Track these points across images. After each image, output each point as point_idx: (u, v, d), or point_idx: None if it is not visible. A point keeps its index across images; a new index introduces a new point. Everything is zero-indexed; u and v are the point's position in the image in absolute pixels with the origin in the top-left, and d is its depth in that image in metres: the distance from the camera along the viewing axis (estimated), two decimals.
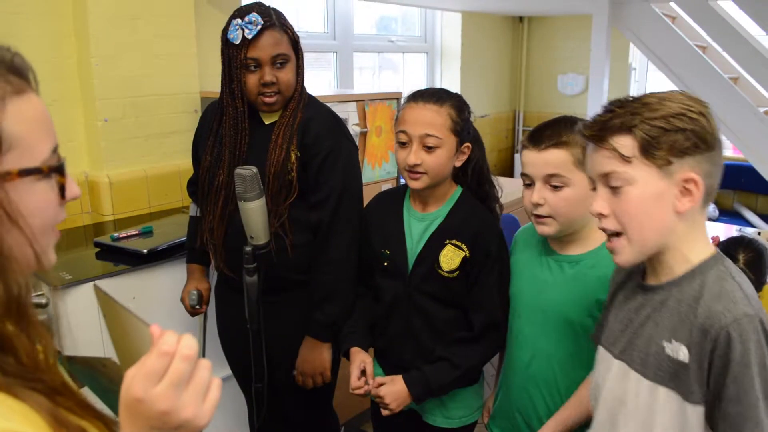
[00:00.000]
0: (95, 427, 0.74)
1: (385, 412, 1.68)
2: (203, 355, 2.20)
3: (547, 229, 1.51)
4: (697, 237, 1.16)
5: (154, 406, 0.67)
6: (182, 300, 2.12)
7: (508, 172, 6.04)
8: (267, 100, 1.85)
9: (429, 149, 1.62)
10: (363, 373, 1.68)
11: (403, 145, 1.66)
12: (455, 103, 1.66)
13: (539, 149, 1.48)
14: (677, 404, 1.13)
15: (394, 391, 1.65)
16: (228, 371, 2.32)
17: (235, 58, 1.82)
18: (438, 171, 1.65)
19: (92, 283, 2.01)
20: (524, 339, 1.61)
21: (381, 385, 1.67)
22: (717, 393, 1.07)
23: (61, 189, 0.77)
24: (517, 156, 6.03)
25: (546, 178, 1.48)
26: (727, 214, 5.35)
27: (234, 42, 1.80)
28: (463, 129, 1.66)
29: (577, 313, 1.50)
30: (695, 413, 1.11)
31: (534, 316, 1.59)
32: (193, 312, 2.12)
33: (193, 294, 2.08)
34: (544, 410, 1.58)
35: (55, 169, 0.76)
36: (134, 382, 0.67)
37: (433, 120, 1.62)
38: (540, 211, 1.50)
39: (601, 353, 1.30)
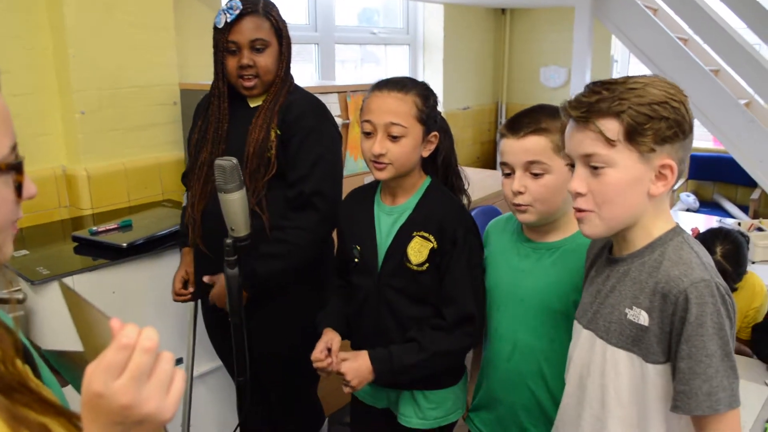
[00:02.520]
0: (58, 424, 0.72)
1: (346, 390, 1.64)
2: (194, 348, 2.19)
3: (528, 216, 1.49)
4: (661, 214, 1.22)
5: (114, 400, 0.64)
6: (173, 282, 2.14)
7: (491, 165, 6.03)
8: (246, 83, 1.94)
9: (394, 138, 1.58)
10: (330, 351, 1.66)
11: (368, 135, 1.62)
12: (420, 90, 1.62)
13: (518, 137, 1.46)
14: (638, 366, 1.20)
15: (355, 367, 1.61)
16: (218, 362, 2.31)
17: (218, 41, 1.93)
18: (403, 161, 1.61)
19: (62, 279, 1.98)
20: (504, 331, 1.59)
21: (343, 360, 1.64)
22: (674, 353, 1.14)
23: (18, 187, 0.76)
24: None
25: (526, 165, 1.46)
26: (708, 206, 5.39)
27: (218, 26, 1.91)
28: (429, 117, 1.63)
29: (559, 300, 1.48)
30: (654, 372, 1.18)
31: (513, 307, 1.57)
32: (179, 296, 2.13)
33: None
34: (531, 401, 1.56)
35: (13, 167, 0.74)
36: (94, 376, 0.65)
37: (397, 108, 1.58)
38: (520, 199, 1.47)
39: (575, 326, 1.35)
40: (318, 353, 1.65)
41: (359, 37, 4.71)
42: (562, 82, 5.79)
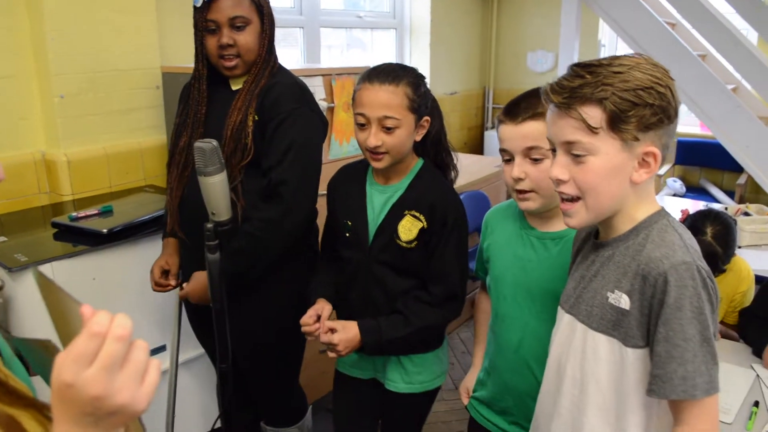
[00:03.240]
0: (28, 416, 0.69)
1: (331, 355, 1.71)
2: (179, 335, 2.17)
3: (531, 204, 1.48)
4: (645, 198, 1.19)
5: (85, 391, 0.61)
6: (151, 272, 2.06)
7: (478, 150, 6.01)
8: (227, 63, 1.87)
9: (388, 130, 1.62)
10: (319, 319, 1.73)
11: (362, 126, 1.66)
12: (411, 79, 1.65)
13: (516, 123, 1.45)
14: (617, 350, 1.18)
15: (346, 339, 1.68)
16: (202, 349, 2.29)
17: (197, 20, 1.86)
18: (399, 149, 1.66)
19: (42, 265, 1.95)
20: (512, 321, 1.58)
21: (331, 329, 1.69)
22: (652, 336, 1.13)
23: None
24: (486, 133, 6.01)
25: (525, 151, 1.45)
26: (694, 191, 5.39)
27: (196, 5, 1.84)
28: (421, 105, 1.66)
29: None
30: (633, 356, 1.16)
31: (521, 297, 1.56)
32: (158, 286, 2.06)
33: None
34: (538, 390, 1.52)
35: None
36: (64, 366, 0.61)
37: (389, 101, 1.61)
38: (522, 186, 1.46)
39: (558, 311, 1.34)
40: (307, 318, 1.71)
41: (345, 21, 4.65)
42: (550, 66, 5.76)
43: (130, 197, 2.58)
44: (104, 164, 2.68)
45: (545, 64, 5.80)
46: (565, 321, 1.30)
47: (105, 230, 2.14)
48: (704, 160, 5.49)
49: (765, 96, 4.23)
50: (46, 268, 1.96)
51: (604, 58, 1.14)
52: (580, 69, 1.13)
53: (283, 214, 1.83)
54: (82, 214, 2.26)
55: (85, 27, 2.54)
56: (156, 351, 2.33)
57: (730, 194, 5.22)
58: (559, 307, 1.34)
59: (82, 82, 2.57)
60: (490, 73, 6.09)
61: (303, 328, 1.70)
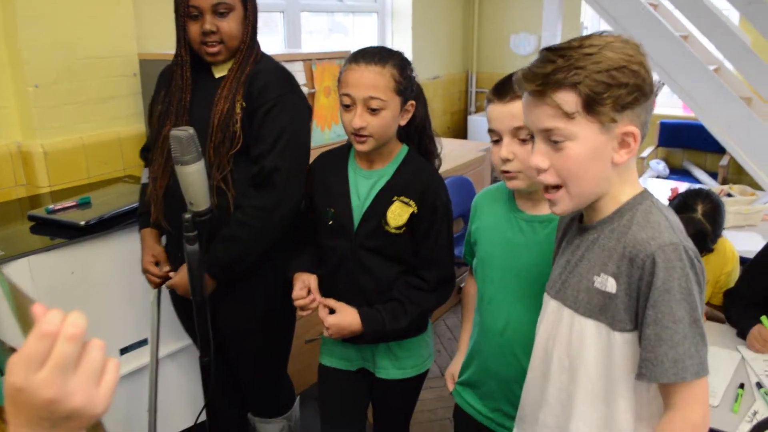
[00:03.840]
0: None
1: (326, 333, 1.71)
2: (158, 330, 2.13)
3: (518, 183, 1.47)
4: (628, 179, 1.18)
5: (37, 394, 0.58)
6: (145, 271, 2.00)
7: (462, 134, 5.99)
8: (209, 50, 1.84)
9: (373, 111, 1.61)
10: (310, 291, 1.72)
11: (347, 107, 1.64)
12: (397, 62, 1.64)
13: (504, 102, 1.43)
14: (605, 334, 1.17)
15: (341, 325, 1.67)
16: (188, 340, 2.26)
17: (179, 6, 1.81)
18: (383, 132, 1.64)
19: (22, 260, 1.91)
20: (498, 305, 1.56)
21: (328, 308, 1.69)
22: (641, 319, 1.11)
23: None
24: (470, 118, 5.99)
25: (514, 131, 1.43)
26: (677, 173, 5.41)
27: None
28: (407, 88, 1.65)
29: None
30: (622, 340, 1.15)
31: (508, 280, 1.54)
32: (158, 278, 2.00)
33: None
34: (523, 375, 1.50)
35: None
36: (14, 368, 0.58)
37: (376, 82, 1.60)
38: (509, 167, 1.45)
39: (544, 298, 1.33)
40: (298, 291, 1.69)
41: (326, 5, 4.60)
42: (533, 49, 5.74)
43: (109, 188, 2.53)
44: (82, 155, 2.63)
45: (528, 47, 5.77)
46: (551, 307, 1.28)
47: (83, 222, 2.10)
48: (687, 142, 5.50)
49: (746, 76, 4.23)
50: (22, 263, 1.92)
51: (574, 40, 1.12)
52: (551, 53, 1.11)
53: (276, 200, 1.81)
54: (59, 206, 2.21)
55: (58, 13, 2.48)
56: (138, 345, 2.30)
57: (713, 176, 5.24)
58: (545, 294, 1.33)
59: (57, 70, 2.52)
60: (473, 57, 6.06)
61: (297, 302, 1.69)
